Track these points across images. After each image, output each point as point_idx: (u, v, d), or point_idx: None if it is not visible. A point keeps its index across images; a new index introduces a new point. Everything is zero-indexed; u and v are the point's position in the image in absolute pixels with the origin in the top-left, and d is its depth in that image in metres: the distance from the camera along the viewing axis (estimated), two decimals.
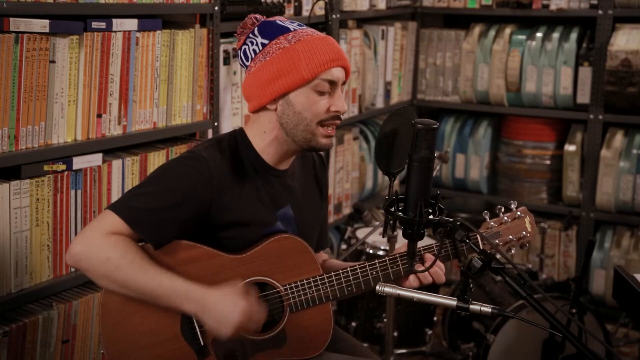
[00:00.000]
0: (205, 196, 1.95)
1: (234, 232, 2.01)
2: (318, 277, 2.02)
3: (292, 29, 2.01)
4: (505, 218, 2.09)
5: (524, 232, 2.09)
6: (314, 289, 2.02)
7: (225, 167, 2.00)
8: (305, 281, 2.02)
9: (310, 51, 1.97)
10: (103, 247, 1.88)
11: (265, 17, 2.09)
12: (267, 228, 2.05)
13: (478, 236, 2.01)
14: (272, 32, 2.01)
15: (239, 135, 2.08)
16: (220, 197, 1.97)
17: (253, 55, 2.02)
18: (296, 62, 1.96)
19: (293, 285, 2.02)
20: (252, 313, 1.91)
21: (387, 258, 2.05)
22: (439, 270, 2.06)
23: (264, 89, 1.99)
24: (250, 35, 2.04)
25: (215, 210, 1.97)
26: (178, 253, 1.96)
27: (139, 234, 1.92)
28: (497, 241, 2.07)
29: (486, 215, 2.09)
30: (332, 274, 2.03)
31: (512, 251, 2.09)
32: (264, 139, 2.05)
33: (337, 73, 2.00)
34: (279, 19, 2.06)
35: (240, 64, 2.09)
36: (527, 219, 2.10)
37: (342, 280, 2.03)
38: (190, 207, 1.94)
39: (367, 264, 2.04)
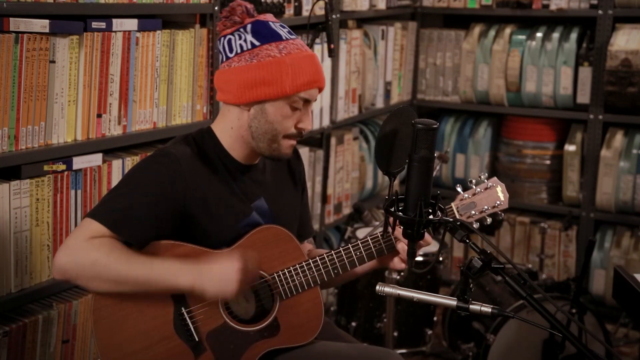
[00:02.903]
0: (180, 192, 1.97)
1: (211, 227, 2.03)
2: (304, 263, 2.05)
3: (284, 38, 2.03)
4: (478, 189, 2.13)
5: (497, 202, 2.13)
6: (301, 274, 2.05)
7: (195, 162, 2.03)
8: (292, 268, 2.05)
9: (297, 68, 2.00)
10: (87, 250, 1.89)
11: (255, 11, 2.09)
12: (244, 219, 2.07)
13: (455, 211, 2.08)
14: (264, 35, 2.02)
15: (206, 133, 2.11)
16: (193, 192, 1.99)
17: (239, 51, 2.03)
18: (283, 76, 1.99)
19: (280, 273, 2.05)
20: (247, 266, 1.93)
21: (369, 237, 2.09)
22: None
23: (244, 90, 2.01)
24: (241, 29, 2.04)
25: (190, 206, 1.99)
26: (164, 253, 1.98)
27: (120, 236, 1.93)
28: (472, 212, 2.10)
29: (459, 187, 2.12)
30: (317, 258, 2.06)
31: (489, 220, 2.12)
32: (231, 135, 2.08)
33: (314, 93, 2.06)
34: (270, 20, 2.07)
35: (219, 51, 2.08)
36: (498, 188, 2.14)
37: (328, 263, 2.06)
38: (166, 204, 1.96)
39: (350, 245, 2.08)
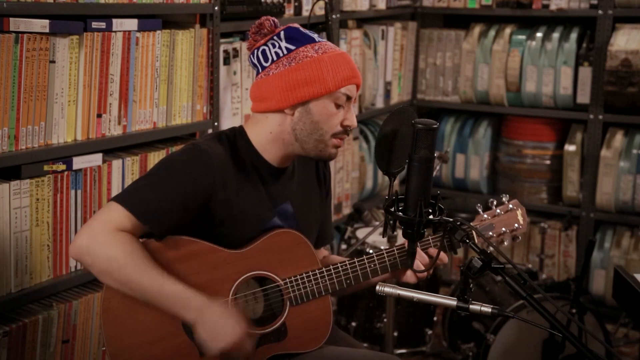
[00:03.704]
0: (207, 187, 1.98)
1: (231, 227, 2.03)
2: (317, 271, 2.05)
3: (316, 40, 2.07)
4: (498, 211, 2.12)
5: (516, 225, 2.12)
6: (313, 282, 2.05)
7: (227, 162, 2.03)
8: (304, 274, 2.05)
9: (336, 64, 2.03)
10: (108, 244, 1.89)
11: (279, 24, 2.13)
12: (264, 224, 2.07)
13: (473, 231, 2.03)
14: (298, 38, 2.05)
15: (238, 132, 2.11)
16: (220, 190, 1.99)
17: (275, 58, 2.05)
18: (324, 73, 2.01)
19: (293, 278, 2.04)
20: (244, 341, 1.92)
21: (384, 250, 2.09)
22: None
23: (287, 93, 2.02)
24: (274, 37, 2.06)
25: (214, 203, 1.99)
26: (179, 248, 1.98)
27: (144, 225, 1.94)
28: (490, 233, 2.09)
29: (479, 208, 2.11)
30: (331, 266, 2.06)
31: (505, 243, 2.12)
32: (267, 138, 2.08)
33: (353, 89, 2.07)
34: (299, 27, 2.09)
35: (253, 64, 2.10)
36: (519, 212, 2.13)
37: (341, 273, 2.06)
38: (194, 199, 1.96)
39: (365, 257, 2.08)
